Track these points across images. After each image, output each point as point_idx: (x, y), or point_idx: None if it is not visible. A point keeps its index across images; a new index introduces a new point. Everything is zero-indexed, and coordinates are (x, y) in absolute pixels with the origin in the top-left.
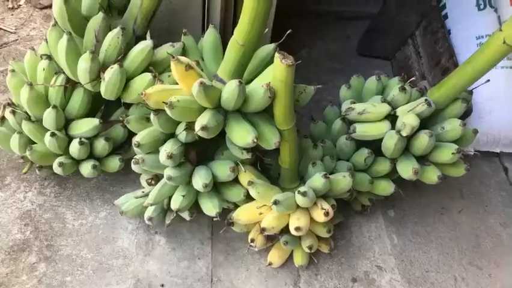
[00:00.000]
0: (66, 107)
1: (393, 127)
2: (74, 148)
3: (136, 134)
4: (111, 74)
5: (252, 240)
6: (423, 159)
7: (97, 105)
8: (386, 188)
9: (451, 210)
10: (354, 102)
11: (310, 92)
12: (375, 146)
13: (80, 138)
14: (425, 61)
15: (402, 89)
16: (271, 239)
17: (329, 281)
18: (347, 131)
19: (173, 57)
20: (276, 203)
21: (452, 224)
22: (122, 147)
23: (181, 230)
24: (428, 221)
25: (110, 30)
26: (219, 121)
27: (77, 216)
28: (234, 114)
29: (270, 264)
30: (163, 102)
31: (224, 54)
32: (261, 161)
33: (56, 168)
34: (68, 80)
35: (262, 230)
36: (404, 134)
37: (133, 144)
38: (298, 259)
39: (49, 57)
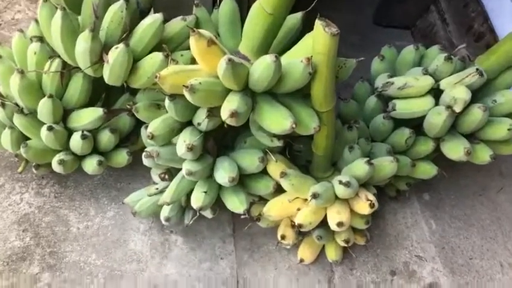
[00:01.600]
0: (63, 96)
1: (436, 102)
2: (76, 143)
3: (144, 123)
4: (116, 55)
5: (283, 237)
6: (471, 137)
7: (97, 92)
8: (427, 170)
9: (490, 190)
10: (391, 76)
11: (351, 66)
12: (411, 124)
13: (82, 132)
14: (453, 28)
15: (448, 58)
16: (302, 234)
17: (365, 275)
18: (383, 108)
19: (194, 30)
20: (315, 196)
21: (492, 205)
22: (129, 138)
23: (200, 228)
24: (466, 203)
25: (110, 3)
26: (249, 105)
27: (81, 218)
28: (264, 96)
29: (301, 261)
30: (184, 85)
31: (242, 26)
32: (290, 147)
33: (56, 167)
34: (64, 64)
35: (299, 226)
36: (458, 109)
37: (145, 136)
38: (332, 254)
39: (41, 39)
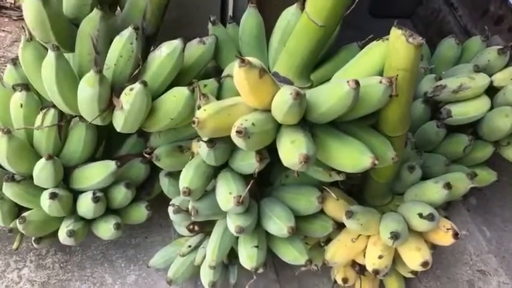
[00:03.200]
0: (62, 152)
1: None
2: (86, 207)
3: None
4: (133, 98)
5: (345, 280)
6: None
7: (99, 137)
8: (486, 177)
9: None
10: (440, 78)
11: (420, 78)
12: (463, 128)
13: (94, 193)
14: (464, 12)
15: (503, 52)
16: (362, 272)
17: None
18: (431, 115)
19: (243, 60)
20: (397, 237)
21: None
22: (144, 188)
23: (239, 278)
24: None
25: (112, 35)
26: (313, 142)
27: None
28: (324, 127)
29: None
30: (236, 131)
31: (267, 43)
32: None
33: (65, 239)
34: (61, 115)
35: (375, 272)
36: None
37: (179, 191)
38: (394, 287)
39: (26, 87)
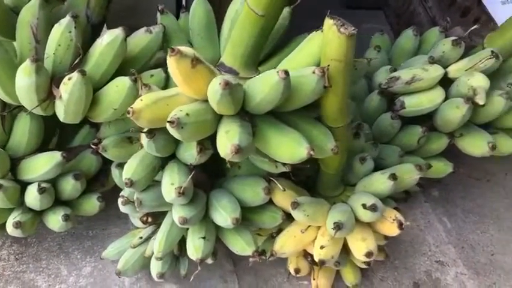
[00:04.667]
0: (7, 144)
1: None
2: (33, 198)
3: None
4: (71, 88)
5: (298, 271)
6: (486, 127)
7: (50, 129)
8: (442, 168)
9: (496, 174)
10: (394, 69)
11: (363, 69)
12: (419, 119)
13: (39, 184)
14: (433, 3)
15: (457, 43)
16: (315, 263)
17: None
18: (386, 107)
19: (173, 49)
20: (339, 227)
21: (503, 191)
22: (97, 179)
23: (194, 269)
24: (476, 193)
25: (52, 23)
26: (250, 133)
27: (52, 281)
28: (264, 117)
29: None
30: (168, 121)
31: (219, 33)
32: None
33: (13, 231)
34: (4, 105)
35: (322, 263)
36: (481, 101)
37: (120, 181)
38: (351, 277)
39: None
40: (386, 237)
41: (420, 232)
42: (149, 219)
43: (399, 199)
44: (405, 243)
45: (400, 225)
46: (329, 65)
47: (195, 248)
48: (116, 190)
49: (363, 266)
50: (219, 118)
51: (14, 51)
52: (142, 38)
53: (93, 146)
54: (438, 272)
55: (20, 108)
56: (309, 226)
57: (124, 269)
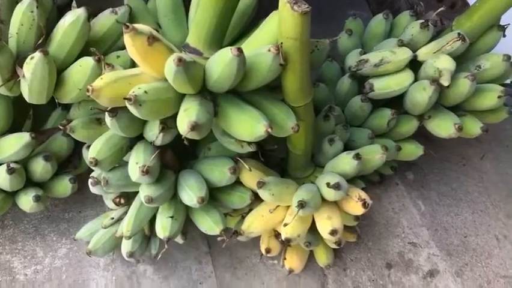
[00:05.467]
0: None
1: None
2: (2, 179)
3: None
4: (33, 67)
5: (268, 251)
6: (456, 109)
7: (22, 111)
8: (413, 151)
9: (471, 158)
10: (364, 52)
11: (325, 49)
12: (389, 102)
13: (8, 165)
14: None
15: (425, 26)
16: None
17: (361, 273)
18: (358, 90)
19: (127, 26)
20: (303, 205)
21: (478, 175)
22: (70, 161)
23: (170, 251)
24: (451, 176)
25: (16, 2)
26: (211, 111)
27: (28, 262)
28: (226, 96)
29: (290, 271)
30: (125, 98)
31: (187, 14)
32: (261, 147)
33: None
34: None
35: (287, 241)
36: (446, 82)
37: (87, 163)
38: (323, 258)
39: None
40: (357, 218)
41: (394, 215)
42: (122, 201)
43: (374, 182)
44: (379, 226)
45: (364, 204)
46: (282, 43)
47: (163, 226)
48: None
49: (334, 247)
50: (181, 97)
51: None
52: (107, 19)
53: (61, 127)
54: (411, 253)
55: None
56: (278, 206)
57: (94, 249)
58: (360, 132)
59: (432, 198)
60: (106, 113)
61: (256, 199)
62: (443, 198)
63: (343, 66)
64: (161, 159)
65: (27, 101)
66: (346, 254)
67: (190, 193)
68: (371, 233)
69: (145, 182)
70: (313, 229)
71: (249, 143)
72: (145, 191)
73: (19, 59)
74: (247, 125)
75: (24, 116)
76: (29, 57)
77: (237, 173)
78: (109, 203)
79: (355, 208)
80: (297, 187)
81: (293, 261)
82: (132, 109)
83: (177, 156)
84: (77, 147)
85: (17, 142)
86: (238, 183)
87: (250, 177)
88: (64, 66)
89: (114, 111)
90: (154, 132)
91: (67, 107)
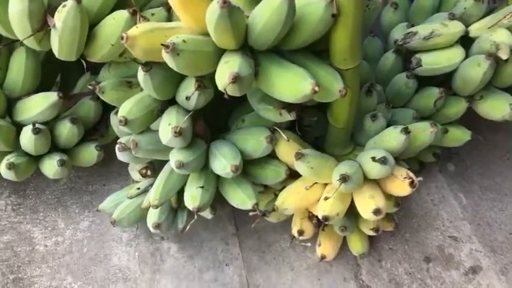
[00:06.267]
0: (4, 82)
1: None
2: (27, 140)
3: (114, 108)
4: (65, 15)
5: (301, 232)
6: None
7: (50, 76)
8: (459, 136)
9: None
10: (412, 25)
11: (377, 8)
12: (434, 82)
13: (34, 124)
14: None
15: None
16: (320, 225)
17: (396, 266)
18: (402, 68)
19: None
20: (346, 179)
21: None
22: (97, 129)
23: (195, 230)
24: (495, 169)
25: None
26: (252, 67)
27: (49, 233)
28: (268, 55)
29: (323, 258)
30: (162, 44)
31: None
32: (298, 122)
33: (6, 173)
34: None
35: (325, 219)
36: (504, 55)
37: (117, 123)
38: (357, 245)
39: None
40: (397, 204)
41: (434, 206)
42: (148, 172)
43: (413, 170)
44: (417, 217)
45: (412, 183)
46: None
47: (192, 196)
48: None
49: (371, 233)
50: (220, 53)
51: None
52: None
53: (90, 87)
54: (452, 247)
55: (17, 43)
56: (315, 184)
57: (118, 218)
58: (404, 112)
59: (475, 192)
60: (139, 68)
61: (290, 177)
62: (486, 192)
63: (385, 45)
64: (193, 128)
65: (57, 55)
66: (381, 244)
67: (224, 161)
68: (409, 225)
69: (176, 145)
70: (349, 213)
71: (289, 111)
72: (176, 156)
73: (50, 9)
74: (291, 83)
75: (51, 81)
76: (61, 5)
77: (273, 142)
78: (135, 175)
79: (400, 188)
80: (336, 163)
81: (326, 247)
82: (169, 59)
83: (211, 130)
84: (105, 114)
85: (43, 101)
86: (272, 157)
87: (287, 149)
88: (96, 21)
89: (148, 66)
90: (189, 91)
91: (95, 73)
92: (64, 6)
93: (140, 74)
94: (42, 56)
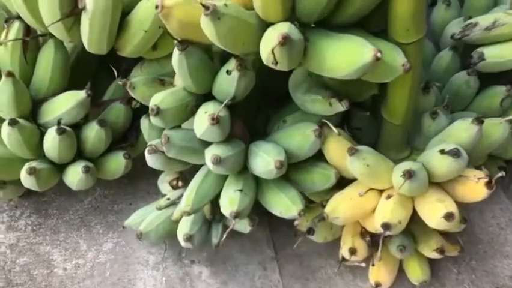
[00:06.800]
0: (31, 81)
1: None
2: (51, 142)
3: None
4: None
5: (353, 251)
6: None
7: (79, 81)
8: None
9: None
10: (470, 17)
11: None
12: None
13: (59, 123)
14: None
15: None
16: (374, 246)
17: None
18: (461, 65)
19: None
20: (410, 174)
21: None
22: (126, 138)
23: (230, 252)
24: None
25: None
26: (301, 36)
27: (69, 255)
28: (316, 30)
29: (377, 285)
30: (201, 4)
31: None
32: (348, 123)
33: (26, 179)
34: (28, 29)
35: (385, 227)
36: None
37: (145, 128)
38: (417, 272)
39: None
40: (465, 220)
41: (501, 231)
42: (180, 183)
43: None
44: (483, 243)
45: (489, 184)
46: None
47: (230, 199)
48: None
49: (435, 255)
50: (264, 28)
51: None
52: None
53: (120, 83)
54: None
55: (46, 38)
56: (369, 190)
57: (146, 231)
58: (466, 115)
59: None
60: (175, 46)
61: (338, 187)
62: None
63: (437, 49)
64: (232, 128)
65: (86, 47)
66: (444, 273)
67: (267, 157)
68: (474, 251)
69: (213, 138)
70: (406, 232)
71: (340, 99)
72: (212, 150)
73: None
74: (347, 52)
75: (81, 87)
76: None
77: (322, 138)
78: (165, 188)
79: (474, 191)
80: (393, 165)
81: (381, 273)
82: (208, 24)
83: (249, 133)
84: (135, 121)
85: (71, 98)
86: (319, 159)
87: (337, 146)
88: (129, 8)
89: (184, 44)
90: (227, 76)
91: (126, 77)
92: None
93: (175, 55)
94: (72, 59)
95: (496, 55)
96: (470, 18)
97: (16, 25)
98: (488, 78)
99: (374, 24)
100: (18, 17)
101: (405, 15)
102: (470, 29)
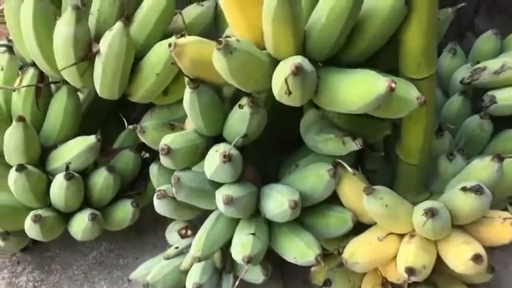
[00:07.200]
0: (42, 128)
1: None
2: (58, 188)
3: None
4: (111, 38)
5: None
6: None
7: (90, 127)
8: None
9: None
10: (478, 62)
11: (448, 18)
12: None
13: (67, 168)
14: None
15: None
16: None
17: None
18: (471, 109)
19: None
20: (433, 213)
21: None
22: (134, 186)
23: None
24: None
25: None
26: (313, 70)
27: None
28: (327, 68)
29: None
30: (214, 40)
31: None
32: (362, 165)
33: (31, 228)
34: (41, 76)
35: (409, 272)
36: None
37: (159, 152)
38: None
39: (10, 49)
40: (492, 270)
41: None
42: (189, 232)
43: None
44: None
45: None
46: None
47: (242, 244)
48: (154, 219)
49: None
50: (275, 65)
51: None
52: (193, 10)
53: (130, 127)
54: None
55: (59, 85)
56: (389, 234)
57: (153, 281)
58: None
59: None
60: (187, 84)
61: (355, 233)
62: None
63: (445, 97)
64: (243, 173)
65: (98, 91)
66: None
67: (280, 197)
68: None
69: (224, 177)
70: (431, 281)
71: (353, 138)
72: (224, 191)
73: (96, 38)
74: (360, 85)
75: (92, 128)
76: (108, 30)
77: (336, 177)
78: (172, 238)
79: (500, 233)
80: (412, 207)
81: None
82: (220, 58)
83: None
84: (144, 169)
85: (81, 143)
86: (334, 202)
87: (353, 187)
88: (142, 54)
89: (196, 82)
90: (240, 112)
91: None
92: (111, 30)
93: (187, 94)
94: (84, 107)
95: (507, 98)
96: (478, 63)
97: (31, 72)
98: (500, 122)
99: (382, 63)
100: (33, 65)
101: (417, 51)
102: (479, 73)
